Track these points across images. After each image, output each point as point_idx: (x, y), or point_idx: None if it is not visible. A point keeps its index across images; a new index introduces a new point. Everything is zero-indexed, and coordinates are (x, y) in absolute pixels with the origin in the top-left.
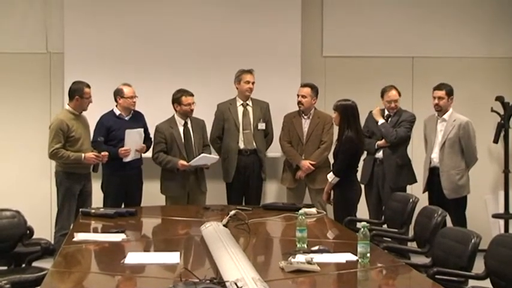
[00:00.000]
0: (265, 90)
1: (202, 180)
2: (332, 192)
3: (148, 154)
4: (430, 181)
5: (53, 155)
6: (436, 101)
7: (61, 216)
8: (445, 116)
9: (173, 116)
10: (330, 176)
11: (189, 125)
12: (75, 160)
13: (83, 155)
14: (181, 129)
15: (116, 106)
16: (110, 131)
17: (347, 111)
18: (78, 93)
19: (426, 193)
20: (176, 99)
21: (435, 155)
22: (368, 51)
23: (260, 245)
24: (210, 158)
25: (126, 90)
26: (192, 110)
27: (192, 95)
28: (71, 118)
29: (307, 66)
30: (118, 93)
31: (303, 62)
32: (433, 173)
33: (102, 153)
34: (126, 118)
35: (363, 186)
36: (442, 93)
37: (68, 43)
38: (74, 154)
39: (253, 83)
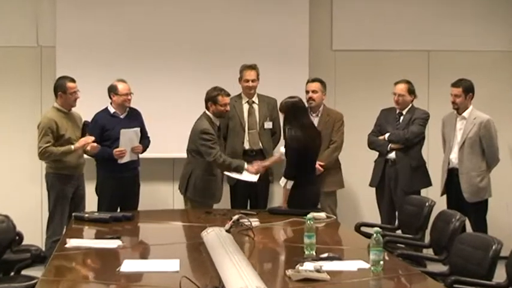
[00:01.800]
0: (270, 86)
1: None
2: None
3: (146, 155)
4: (448, 183)
5: (42, 155)
6: (453, 98)
7: (53, 221)
8: (465, 114)
9: (208, 116)
10: (282, 181)
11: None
12: (65, 153)
13: (72, 146)
14: (216, 131)
15: (111, 104)
16: (104, 130)
17: (287, 109)
18: (61, 89)
19: (444, 196)
20: (211, 98)
21: (454, 156)
22: (381, 44)
23: (265, 251)
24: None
25: (121, 87)
26: (227, 112)
27: (229, 95)
28: (60, 116)
29: (316, 61)
30: (112, 90)
31: (311, 56)
32: (452, 175)
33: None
34: (121, 116)
35: (373, 189)
36: (458, 90)
37: (60, 36)
38: (62, 147)
39: (253, 81)
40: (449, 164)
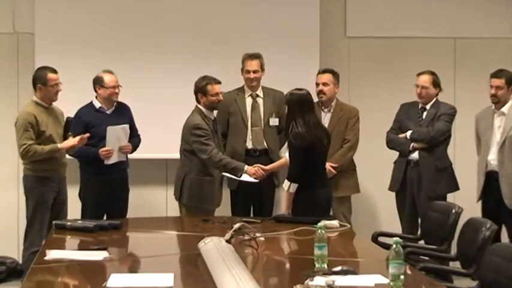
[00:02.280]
0: (277, 78)
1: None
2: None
3: (136, 155)
4: (486, 188)
5: (25, 154)
6: (493, 90)
7: (31, 230)
8: (504, 109)
9: (200, 109)
10: (286, 184)
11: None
12: (51, 152)
13: (58, 144)
14: (210, 125)
15: (96, 97)
16: (89, 127)
17: (293, 102)
18: (41, 81)
19: (472, 202)
20: (200, 89)
21: (493, 157)
22: (401, 30)
23: (271, 264)
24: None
25: (107, 79)
26: (219, 101)
27: (219, 82)
28: (40, 111)
29: (328, 49)
30: (97, 82)
31: (323, 44)
32: (490, 179)
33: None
34: (108, 112)
35: (392, 194)
36: (500, 81)
37: (39, 22)
38: (48, 146)
39: (255, 72)
40: (487, 166)
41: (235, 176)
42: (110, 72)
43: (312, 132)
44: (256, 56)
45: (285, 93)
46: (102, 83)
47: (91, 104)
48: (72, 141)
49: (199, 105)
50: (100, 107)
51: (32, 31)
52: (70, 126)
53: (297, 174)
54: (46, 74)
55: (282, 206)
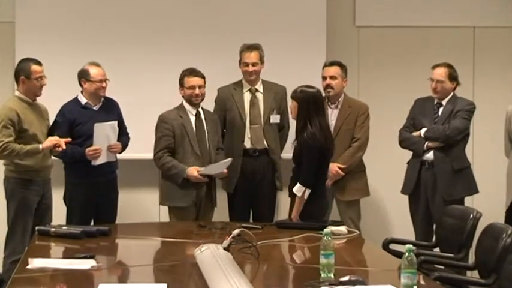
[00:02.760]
0: (280, 70)
1: (214, 191)
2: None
3: (125, 155)
4: None
5: (1, 152)
6: None
7: (13, 237)
8: None
9: (181, 103)
10: (298, 190)
11: (202, 117)
12: (30, 153)
13: (40, 145)
14: (192, 120)
15: (81, 92)
16: (75, 125)
17: (308, 101)
18: (24, 73)
19: (492, 206)
20: (180, 80)
21: None
22: (415, 19)
23: (272, 274)
24: (224, 164)
25: (93, 72)
26: (197, 96)
27: (198, 75)
28: (23, 107)
29: (335, 40)
30: (82, 76)
31: (330, 34)
32: None
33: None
34: (95, 108)
35: (405, 197)
36: None
37: (20, 10)
38: (28, 146)
39: (254, 64)
40: None
41: (174, 182)
42: (97, 64)
43: (326, 135)
44: (255, 47)
45: (287, 88)
46: (88, 76)
47: (76, 99)
48: (54, 139)
49: (183, 99)
50: (86, 103)
51: (12, 19)
52: (56, 129)
53: (312, 179)
54: (30, 66)
55: (286, 210)
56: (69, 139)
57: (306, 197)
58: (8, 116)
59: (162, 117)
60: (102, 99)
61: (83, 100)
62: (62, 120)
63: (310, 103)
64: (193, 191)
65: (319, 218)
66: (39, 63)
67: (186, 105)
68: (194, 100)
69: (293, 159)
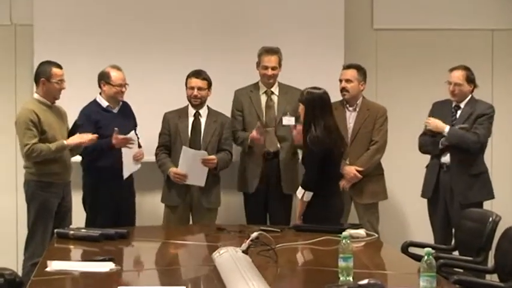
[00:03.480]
0: (297, 73)
1: (209, 193)
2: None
3: None
4: None
5: (29, 154)
6: None
7: (33, 239)
8: None
9: (186, 105)
10: (299, 192)
11: (202, 118)
12: (58, 150)
13: (64, 141)
14: (190, 120)
15: (100, 94)
16: (97, 127)
17: (314, 102)
18: (45, 75)
19: (510, 210)
20: (186, 81)
21: None
22: (432, 22)
23: (291, 277)
24: (197, 156)
25: (114, 75)
26: (195, 97)
27: (199, 77)
28: (42, 109)
29: (353, 42)
30: (103, 78)
31: (347, 37)
32: None
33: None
34: (114, 111)
35: (424, 200)
36: None
37: (38, 13)
38: (54, 144)
39: (273, 68)
40: None
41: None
42: (118, 68)
43: (332, 137)
44: (275, 51)
45: (301, 88)
46: (109, 79)
47: (96, 102)
48: (80, 137)
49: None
50: (108, 106)
51: (30, 23)
52: (76, 132)
53: (312, 182)
54: (51, 68)
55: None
56: (95, 135)
57: (306, 199)
58: (28, 117)
59: (164, 115)
60: (120, 102)
61: (104, 103)
62: (87, 121)
63: (316, 105)
64: (184, 191)
65: (328, 220)
66: (60, 66)
67: (189, 107)
68: (193, 101)
69: (301, 161)
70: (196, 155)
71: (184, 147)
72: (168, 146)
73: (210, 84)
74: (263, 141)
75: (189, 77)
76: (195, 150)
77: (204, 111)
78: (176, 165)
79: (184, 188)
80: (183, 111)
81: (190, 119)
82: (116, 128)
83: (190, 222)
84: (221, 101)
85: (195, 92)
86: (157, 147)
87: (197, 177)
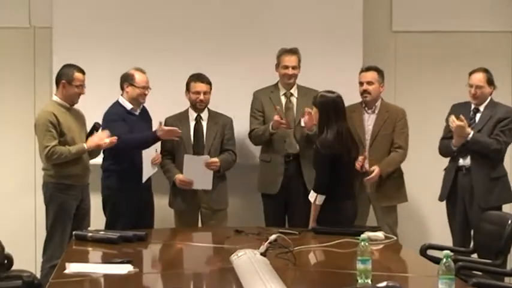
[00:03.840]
0: (317, 76)
1: (216, 194)
2: None
3: None
4: None
5: (49, 157)
6: None
7: (51, 242)
8: None
9: (187, 109)
10: (312, 196)
11: (204, 122)
12: (78, 153)
13: (84, 144)
14: (192, 125)
15: (122, 95)
16: None
17: (328, 106)
18: (66, 78)
19: None
20: (186, 85)
21: None
22: (451, 24)
23: (309, 280)
24: (201, 160)
25: (139, 77)
26: (201, 101)
27: (204, 81)
28: (61, 111)
29: (372, 45)
30: (126, 79)
31: (366, 40)
32: None
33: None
34: (136, 113)
35: (442, 203)
36: None
37: (57, 15)
38: (74, 147)
39: (294, 68)
40: None
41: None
42: (142, 70)
43: (343, 142)
44: (295, 52)
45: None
46: (133, 81)
47: (119, 103)
48: (99, 137)
49: (189, 106)
50: (132, 108)
51: (49, 25)
52: (95, 133)
53: (323, 185)
54: (73, 72)
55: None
56: (114, 137)
57: (319, 203)
58: (48, 119)
59: (165, 121)
60: (142, 105)
61: (128, 105)
62: (119, 120)
63: (330, 108)
64: (190, 195)
65: (339, 224)
66: (82, 72)
67: (190, 111)
68: (198, 105)
69: (313, 164)
70: (199, 160)
71: (186, 155)
72: (171, 152)
73: (211, 88)
74: (287, 122)
75: (192, 81)
76: (197, 156)
77: (205, 114)
78: (181, 170)
79: (190, 192)
80: (184, 116)
81: (192, 123)
82: (160, 121)
83: (200, 224)
84: (235, 105)
85: (201, 96)
86: (160, 153)
87: (203, 181)
